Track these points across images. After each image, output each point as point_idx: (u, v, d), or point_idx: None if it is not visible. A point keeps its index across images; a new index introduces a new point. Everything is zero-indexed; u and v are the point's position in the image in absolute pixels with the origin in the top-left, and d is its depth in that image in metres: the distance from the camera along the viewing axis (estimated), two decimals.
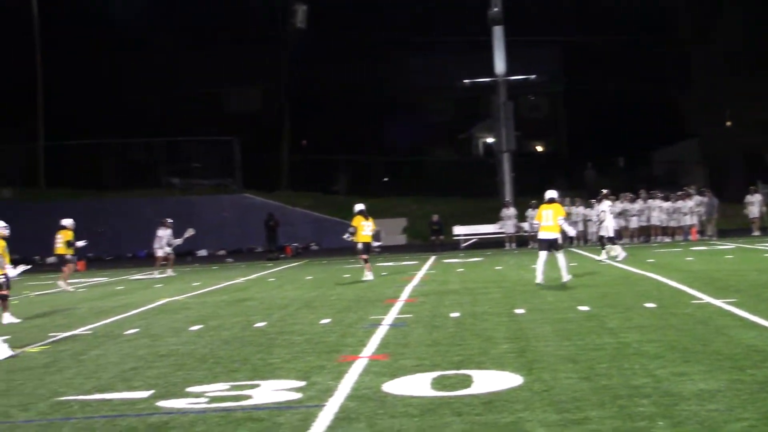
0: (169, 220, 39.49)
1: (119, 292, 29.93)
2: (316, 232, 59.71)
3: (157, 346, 16.11)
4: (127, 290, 30.79)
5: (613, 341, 13.90)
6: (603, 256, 32.46)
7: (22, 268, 22.35)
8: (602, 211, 33.38)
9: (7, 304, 21.78)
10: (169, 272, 38.11)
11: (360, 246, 29.52)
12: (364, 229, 29.47)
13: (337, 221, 59.13)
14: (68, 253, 32.18)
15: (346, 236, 29.92)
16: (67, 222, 32.49)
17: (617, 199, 44.77)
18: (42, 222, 52.62)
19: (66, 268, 32.36)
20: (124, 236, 56.75)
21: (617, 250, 32.62)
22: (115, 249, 56.48)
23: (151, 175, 68.09)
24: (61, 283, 32.36)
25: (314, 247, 58.15)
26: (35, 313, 23.87)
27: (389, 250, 50.68)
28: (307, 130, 77.10)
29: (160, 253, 38.73)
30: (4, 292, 21.67)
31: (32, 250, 54.05)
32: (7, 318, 21.53)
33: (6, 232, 21.99)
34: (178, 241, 39.08)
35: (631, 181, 63.19)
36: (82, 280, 36.89)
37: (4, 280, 21.60)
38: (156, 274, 37.93)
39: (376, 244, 41.84)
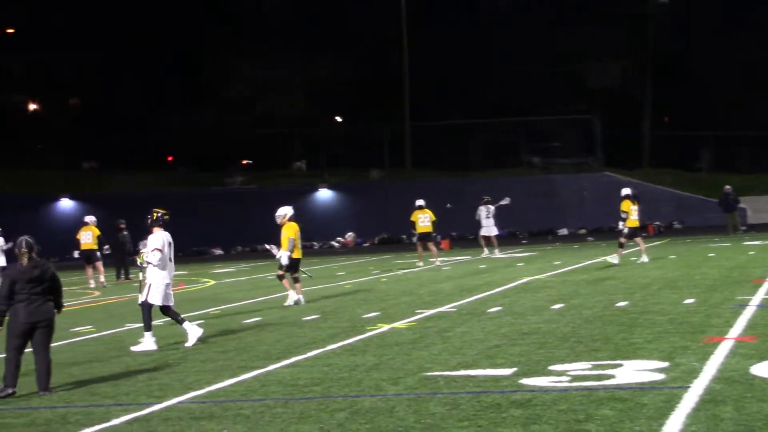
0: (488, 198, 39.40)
1: (482, 271, 30.46)
2: (679, 211, 58.42)
3: (519, 324, 16.31)
4: (490, 269, 31.28)
5: None
6: None
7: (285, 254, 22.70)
8: None
9: (289, 284, 22.34)
10: (486, 253, 38.09)
11: (627, 230, 29.43)
12: (633, 213, 29.33)
13: (701, 199, 57.65)
14: (432, 231, 33.50)
15: (620, 224, 29.78)
16: (422, 202, 34.07)
17: None
18: (409, 202, 54.33)
19: (431, 246, 33.58)
20: None
21: None
22: (477, 228, 57.35)
23: (513, 155, 68.79)
24: (435, 260, 33.61)
25: (677, 225, 56.92)
26: (402, 290, 24.73)
27: (757, 229, 48.81)
28: (669, 106, 75.39)
29: (493, 232, 38.67)
30: (280, 273, 22.33)
31: (398, 229, 55.91)
32: (292, 298, 22.21)
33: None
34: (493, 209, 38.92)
35: None
36: (446, 258, 37.79)
37: (285, 261, 22.23)
38: (497, 254, 38.04)
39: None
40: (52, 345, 12.79)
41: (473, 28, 74.38)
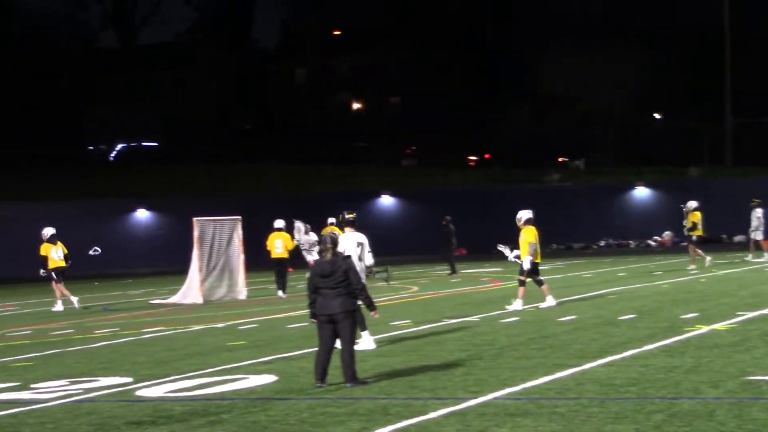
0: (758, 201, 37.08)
1: None
2: None
3: None
4: None
5: None
6: None
7: (512, 253, 22.08)
8: None
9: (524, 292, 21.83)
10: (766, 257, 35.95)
11: None
12: None
13: None
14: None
15: None
16: (697, 203, 33.20)
17: None
18: (728, 201, 52.61)
19: (697, 249, 33.09)
20: None
21: None
22: None
23: None
24: (706, 259, 32.75)
25: None
26: (721, 290, 24.05)
27: None
28: None
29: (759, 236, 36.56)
30: (522, 278, 21.77)
31: (718, 229, 54.25)
32: (517, 304, 21.62)
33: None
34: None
35: None
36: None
37: (528, 266, 21.64)
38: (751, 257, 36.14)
39: None
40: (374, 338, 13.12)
41: None
